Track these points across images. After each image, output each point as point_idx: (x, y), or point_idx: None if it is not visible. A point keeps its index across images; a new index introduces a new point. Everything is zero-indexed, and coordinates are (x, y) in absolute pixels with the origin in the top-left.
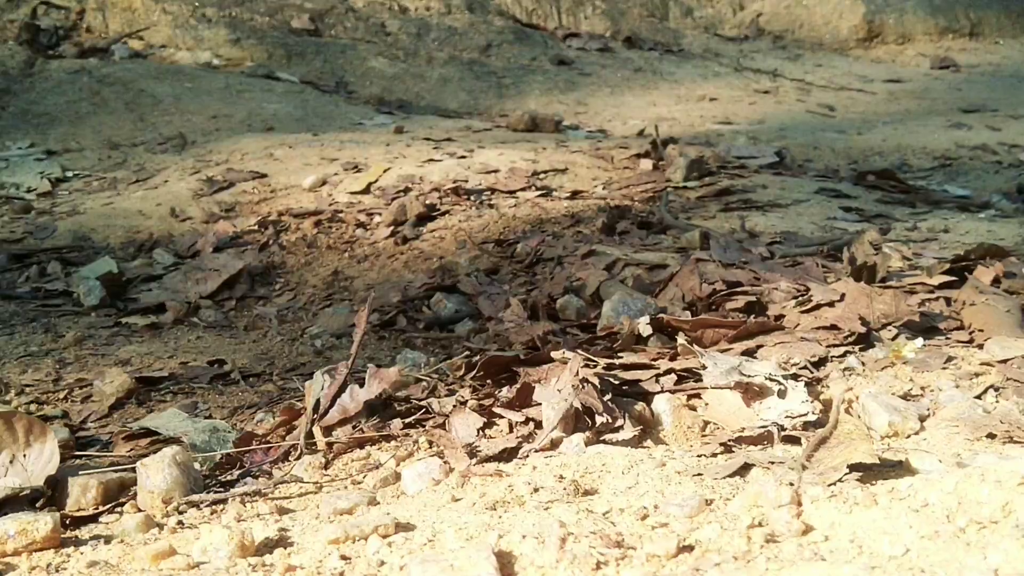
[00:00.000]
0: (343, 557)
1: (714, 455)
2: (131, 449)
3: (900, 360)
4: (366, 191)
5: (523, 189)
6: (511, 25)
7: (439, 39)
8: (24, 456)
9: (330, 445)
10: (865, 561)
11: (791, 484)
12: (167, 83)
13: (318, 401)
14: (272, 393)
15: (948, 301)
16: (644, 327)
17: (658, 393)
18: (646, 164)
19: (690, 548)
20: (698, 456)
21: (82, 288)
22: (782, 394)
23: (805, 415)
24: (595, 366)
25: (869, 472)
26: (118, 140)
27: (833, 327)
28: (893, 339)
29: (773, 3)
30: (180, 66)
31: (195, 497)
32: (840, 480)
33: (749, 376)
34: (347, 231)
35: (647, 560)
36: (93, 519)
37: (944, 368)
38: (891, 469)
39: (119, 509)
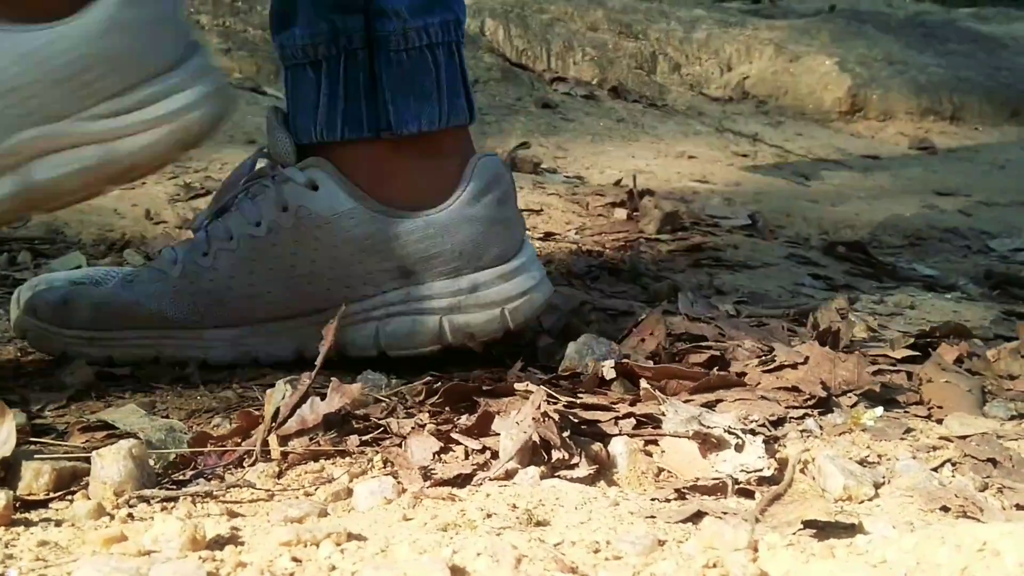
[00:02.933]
0: (294, 559)
1: (667, 500)
2: (86, 440)
3: (859, 427)
4: None
5: None
6: (500, 63)
7: None
8: None
9: (285, 455)
10: None
11: (746, 532)
12: None
13: (278, 409)
14: (231, 400)
15: (910, 375)
16: (608, 370)
17: (616, 436)
18: (620, 213)
19: None
20: (651, 500)
21: None
22: (739, 448)
23: (760, 470)
24: (557, 403)
25: (823, 530)
26: None
27: (794, 388)
28: (853, 406)
29: (760, 68)
30: None
31: (147, 492)
32: (794, 534)
33: (709, 427)
34: None
35: None
36: (43, 504)
37: (902, 439)
38: (844, 530)
39: (70, 497)
